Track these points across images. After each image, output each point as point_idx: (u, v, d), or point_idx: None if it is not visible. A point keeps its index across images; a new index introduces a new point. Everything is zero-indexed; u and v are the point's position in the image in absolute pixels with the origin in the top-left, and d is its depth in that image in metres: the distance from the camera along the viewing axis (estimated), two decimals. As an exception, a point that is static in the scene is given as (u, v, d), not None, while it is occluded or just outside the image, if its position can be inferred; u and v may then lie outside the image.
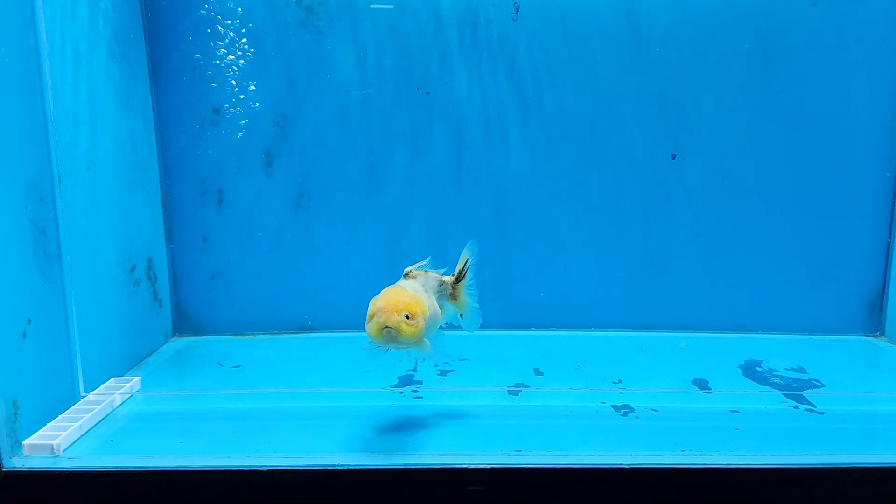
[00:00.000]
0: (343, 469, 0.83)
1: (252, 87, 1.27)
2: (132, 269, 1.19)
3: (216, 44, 1.25)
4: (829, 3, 1.26)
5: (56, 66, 0.97)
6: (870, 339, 1.34)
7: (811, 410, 1.01)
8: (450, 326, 0.96)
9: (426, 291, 0.88)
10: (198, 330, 1.35)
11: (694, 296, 1.35)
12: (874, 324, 1.35)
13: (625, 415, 0.99)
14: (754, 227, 1.32)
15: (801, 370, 1.17)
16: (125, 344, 1.17)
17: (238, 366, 1.19)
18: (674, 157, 1.30)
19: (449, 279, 0.92)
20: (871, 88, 1.28)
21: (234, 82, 1.26)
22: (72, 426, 0.90)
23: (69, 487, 0.83)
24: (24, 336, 0.88)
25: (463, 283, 0.92)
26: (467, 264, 0.91)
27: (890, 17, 1.26)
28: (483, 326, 1.33)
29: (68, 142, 1.00)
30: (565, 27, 1.27)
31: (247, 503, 0.84)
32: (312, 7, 1.26)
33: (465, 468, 0.83)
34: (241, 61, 1.26)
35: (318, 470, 0.83)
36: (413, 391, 1.08)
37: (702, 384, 1.10)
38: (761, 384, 1.11)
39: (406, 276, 0.90)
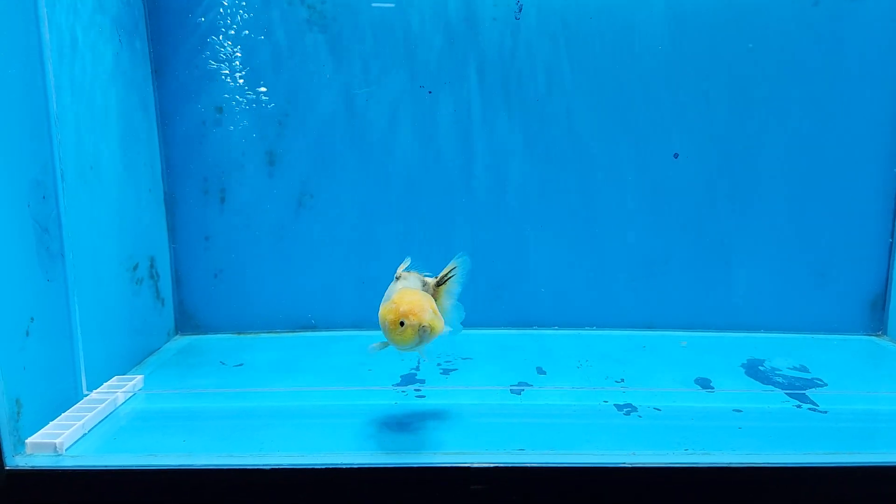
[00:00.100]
0: (346, 468, 0.83)
1: (255, 86, 1.27)
2: (135, 268, 1.20)
3: (219, 42, 1.25)
4: (830, 2, 1.26)
5: (59, 64, 0.97)
6: (872, 338, 1.34)
7: (814, 410, 1.01)
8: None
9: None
10: (200, 328, 1.36)
11: (696, 295, 1.35)
12: (876, 323, 1.35)
13: (627, 414, 0.99)
14: (757, 226, 1.32)
15: (804, 369, 1.17)
16: (128, 342, 1.17)
17: (240, 364, 1.19)
18: (676, 156, 1.30)
19: (432, 281, 0.92)
20: (873, 88, 1.27)
21: (237, 81, 1.26)
22: (75, 425, 0.90)
23: (72, 486, 0.83)
24: (27, 334, 0.88)
25: (444, 287, 0.92)
26: (452, 271, 0.91)
27: (891, 16, 1.26)
28: (485, 325, 1.35)
29: (71, 140, 1.00)
30: (566, 27, 1.27)
31: (249, 502, 0.84)
32: (315, 5, 1.26)
33: (468, 467, 0.83)
34: (245, 60, 1.26)
35: (321, 469, 0.83)
36: (416, 390, 1.08)
37: (704, 383, 1.10)
38: (764, 383, 1.11)
39: (397, 278, 0.91)
